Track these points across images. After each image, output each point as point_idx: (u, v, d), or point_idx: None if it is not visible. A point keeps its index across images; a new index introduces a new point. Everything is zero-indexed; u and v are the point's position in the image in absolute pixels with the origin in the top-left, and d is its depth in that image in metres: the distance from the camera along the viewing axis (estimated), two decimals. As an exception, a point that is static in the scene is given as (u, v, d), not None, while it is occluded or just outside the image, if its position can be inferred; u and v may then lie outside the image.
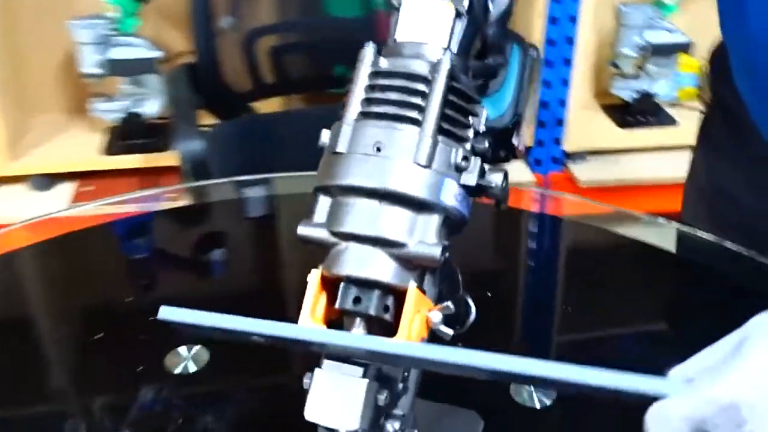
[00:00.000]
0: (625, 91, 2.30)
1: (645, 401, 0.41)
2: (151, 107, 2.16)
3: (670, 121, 2.32)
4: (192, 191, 1.16)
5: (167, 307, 0.45)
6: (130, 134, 2.17)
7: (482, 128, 0.50)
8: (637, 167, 2.24)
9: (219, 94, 1.59)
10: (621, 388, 0.40)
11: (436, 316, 0.49)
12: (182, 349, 0.72)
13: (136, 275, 0.92)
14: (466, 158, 0.48)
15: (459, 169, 0.48)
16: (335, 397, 0.47)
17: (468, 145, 0.49)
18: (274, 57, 1.61)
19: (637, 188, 2.19)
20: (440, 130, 0.48)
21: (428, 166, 0.47)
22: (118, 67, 2.08)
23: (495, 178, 0.49)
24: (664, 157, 2.26)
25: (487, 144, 0.50)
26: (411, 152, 0.47)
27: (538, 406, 0.67)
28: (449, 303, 0.50)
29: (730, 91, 0.77)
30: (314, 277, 0.49)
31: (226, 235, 1.04)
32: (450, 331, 0.50)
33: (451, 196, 0.48)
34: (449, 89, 0.48)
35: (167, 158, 2.15)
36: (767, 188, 0.77)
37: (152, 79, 2.13)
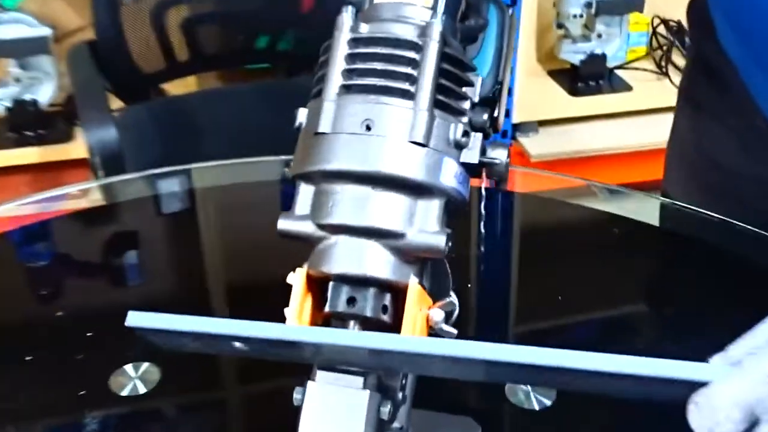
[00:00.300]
0: (572, 54, 2.33)
1: (679, 395, 0.41)
2: (45, 93, 2.09)
3: (623, 85, 2.36)
4: (103, 189, 1.13)
5: (136, 313, 0.43)
6: (21, 125, 2.09)
7: (477, 99, 0.49)
8: (591, 137, 2.28)
9: (126, 75, 1.55)
10: (657, 376, 0.39)
11: (438, 314, 0.48)
12: (128, 368, 0.70)
13: (44, 285, 0.89)
14: (466, 133, 0.47)
15: (459, 146, 0.47)
16: (333, 413, 0.46)
17: (465, 119, 0.48)
18: (186, 30, 1.57)
19: (593, 159, 2.23)
20: (436, 103, 0.46)
21: (425, 144, 0.46)
22: (3, 48, 2.01)
23: (498, 154, 0.49)
24: (619, 124, 2.30)
25: (485, 116, 0.49)
26: (406, 129, 0.46)
27: (536, 407, 0.67)
28: (452, 299, 0.49)
29: (713, 48, 0.78)
30: (299, 277, 0.48)
31: (142, 234, 1.01)
32: (454, 330, 0.49)
33: (451, 176, 0.47)
34: (442, 56, 0.47)
35: (66, 151, 2.09)
36: (763, 153, 0.78)
37: (44, 60, 2.06)
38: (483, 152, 0.48)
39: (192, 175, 1.05)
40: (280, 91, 1.76)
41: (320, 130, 0.46)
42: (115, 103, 1.54)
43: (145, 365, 0.70)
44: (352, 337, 0.44)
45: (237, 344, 0.44)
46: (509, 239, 1.00)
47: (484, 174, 0.49)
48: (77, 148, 2.03)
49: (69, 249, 0.98)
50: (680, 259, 0.91)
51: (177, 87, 1.97)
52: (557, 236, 0.96)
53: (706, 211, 0.85)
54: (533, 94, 2.28)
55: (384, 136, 0.45)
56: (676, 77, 2.36)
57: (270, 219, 1.03)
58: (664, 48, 2.44)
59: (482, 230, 1.00)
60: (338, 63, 0.47)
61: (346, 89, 0.47)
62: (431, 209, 0.46)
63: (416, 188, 0.46)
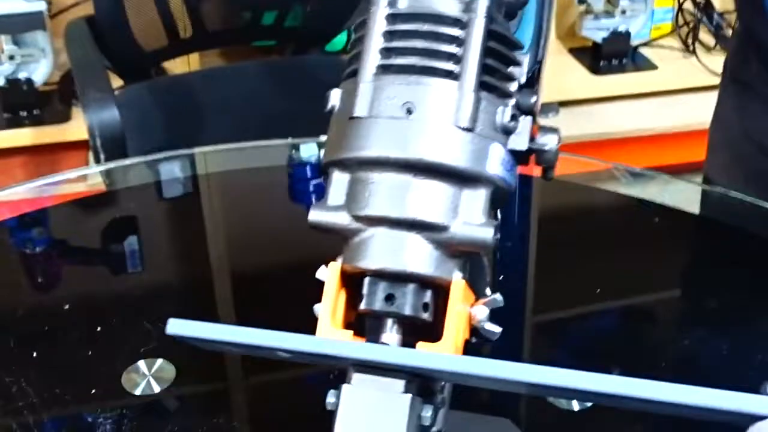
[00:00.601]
0: (595, 31, 2.30)
1: (737, 422, 0.40)
2: (40, 71, 2.07)
3: (647, 64, 2.33)
4: (103, 174, 1.11)
5: (176, 321, 0.42)
6: (16, 104, 2.07)
7: (524, 80, 0.48)
8: (613, 118, 2.26)
9: (126, 52, 1.54)
10: (717, 408, 0.39)
11: (482, 312, 0.47)
12: (141, 365, 0.68)
13: (49, 277, 0.88)
14: (513, 117, 0.46)
15: (506, 131, 0.46)
16: (371, 418, 0.44)
17: (512, 101, 0.47)
18: (190, 5, 1.56)
19: (616, 142, 2.21)
20: (482, 85, 0.45)
21: (471, 129, 0.44)
22: (-3, 24, 1.99)
23: (548, 140, 0.47)
24: (643, 105, 2.28)
25: (534, 99, 0.47)
26: (450, 113, 0.44)
27: (576, 407, 0.65)
28: (496, 295, 0.48)
29: (764, 25, 0.76)
30: (333, 273, 0.46)
31: (146, 221, 0.99)
32: (498, 329, 0.47)
33: (498, 164, 0.45)
34: (488, 33, 0.45)
35: (63, 132, 2.08)
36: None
37: (39, 37, 2.04)
38: (531, 138, 0.47)
39: (196, 160, 1.04)
40: (287, 70, 1.75)
41: (356, 113, 0.45)
42: (114, 82, 1.52)
43: (158, 362, 0.69)
44: (401, 356, 0.43)
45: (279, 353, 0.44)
46: (528, 225, 0.98)
47: (532, 161, 0.48)
48: (74, 129, 2.02)
49: (70, 237, 0.97)
50: (715, 247, 0.89)
51: (179, 65, 1.96)
52: (578, 222, 0.95)
53: (751, 198, 0.84)
54: (553, 73, 2.25)
55: (426, 121, 0.44)
56: (703, 55, 2.34)
57: (275, 205, 1.02)
58: (691, 25, 2.41)
59: (500, 216, 0.99)
60: (375, 41, 0.46)
61: (384, 69, 0.45)
62: (477, 199, 0.45)
63: (461, 177, 0.44)
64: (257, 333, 0.43)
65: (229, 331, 0.43)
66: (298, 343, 0.42)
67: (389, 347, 0.44)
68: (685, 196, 0.99)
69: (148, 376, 0.68)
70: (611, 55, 2.30)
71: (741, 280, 0.81)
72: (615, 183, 1.04)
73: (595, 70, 2.30)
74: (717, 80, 0.90)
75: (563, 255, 0.88)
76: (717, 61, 2.23)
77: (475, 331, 0.47)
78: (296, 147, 1.05)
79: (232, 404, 0.69)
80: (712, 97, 0.88)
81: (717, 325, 0.78)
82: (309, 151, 1.05)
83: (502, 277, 0.86)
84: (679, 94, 2.27)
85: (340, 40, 2.09)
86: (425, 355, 0.43)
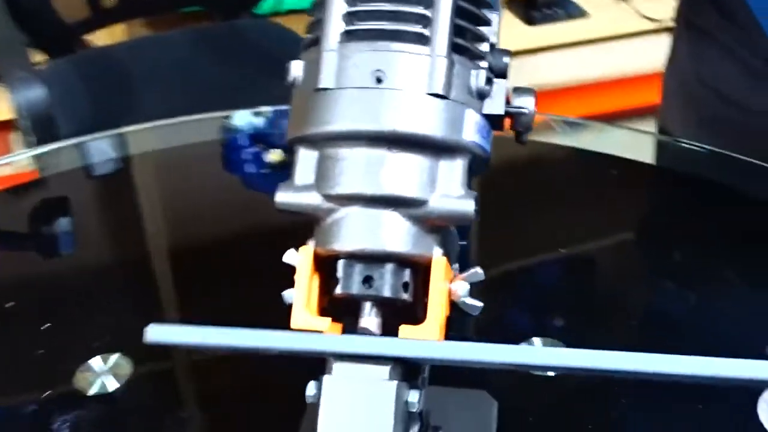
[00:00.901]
0: (525, -21, 2.28)
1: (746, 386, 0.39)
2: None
3: (579, 12, 2.32)
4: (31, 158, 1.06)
5: (156, 327, 0.39)
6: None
7: (496, 39, 0.45)
8: (548, 69, 2.24)
9: (45, 25, 1.48)
10: (728, 377, 0.38)
11: (463, 288, 0.44)
12: (95, 362, 0.64)
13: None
14: (489, 80, 0.43)
15: (482, 96, 0.43)
16: (356, 410, 0.42)
17: (485, 64, 0.44)
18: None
19: (551, 93, 2.20)
20: (454, 48, 0.42)
21: (446, 95, 0.41)
22: None
23: (525, 102, 0.45)
24: (578, 54, 2.27)
25: (507, 59, 0.45)
26: (423, 79, 0.41)
27: (552, 372, 0.64)
28: (477, 269, 0.45)
29: None
30: (305, 258, 0.43)
31: (78, 206, 0.95)
32: (479, 304, 0.45)
33: (475, 131, 0.43)
34: (457, -9, 0.43)
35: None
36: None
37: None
38: (507, 101, 0.44)
39: (128, 138, 1.00)
40: (218, 36, 1.70)
41: (322, 85, 0.42)
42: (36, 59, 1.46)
43: (113, 357, 0.65)
44: (392, 346, 0.41)
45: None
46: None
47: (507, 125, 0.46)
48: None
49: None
50: (665, 194, 0.89)
51: (104, 37, 1.89)
52: (517, 175, 0.93)
53: (707, 146, 0.83)
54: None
55: (399, 89, 0.41)
56: (637, 0, 2.34)
57: (211, 178, 0.99)
58: (620, -31, 2.40)
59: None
60: (337, 5, 0.42)
61: (349, 36, 0.42)
62: (455, 170, 0.42)
63: (437, 147, 0.42)
64: (246, 334, 0.41)
65: (214, 334, 0.41)
66: (290, 342, 0.39)
67: (380, 339, 0.42)
68: (622, 142, 0.97)
69: (101, 374, 0.64)
70: (544, 4, 2.28)
71: (697, 229, 0.81)
72: (551, 134, 1.02)
73: (530, 20, 2.28)
74: (651, 25, 0.89)
75: (506, 208, 0.86)
76: (650, 6, 2.24)
77: (453, 305, 0.45)
78: (229, 116, 1.02)
79: (197, 397, 0.66)
80: (647, 42, 0.86)
81: (681, 276, 0.77)
82: (242, 119, 1.02)
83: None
84: (612, 41, 2.27)
85: (268, 1, 2.04)
86: (419, 345, 0.41)
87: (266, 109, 0.99)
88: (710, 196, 0.83)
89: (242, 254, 0.81)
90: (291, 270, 0.44)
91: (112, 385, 0.63)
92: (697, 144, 0.83)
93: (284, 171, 0.99)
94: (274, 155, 0.96)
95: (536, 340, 0.67)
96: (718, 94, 0.79)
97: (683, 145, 0.86)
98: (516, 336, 0.68)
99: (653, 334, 0.71)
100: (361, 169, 0.41)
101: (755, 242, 0.77)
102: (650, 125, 1.01)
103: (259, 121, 1.01)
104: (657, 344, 0.65)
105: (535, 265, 0.81)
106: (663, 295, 0.77)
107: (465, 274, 0.45)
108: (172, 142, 1.01)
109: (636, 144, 0.93)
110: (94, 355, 0.65)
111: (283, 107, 0.95)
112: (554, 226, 0.84)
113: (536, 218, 0.85)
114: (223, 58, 1.57)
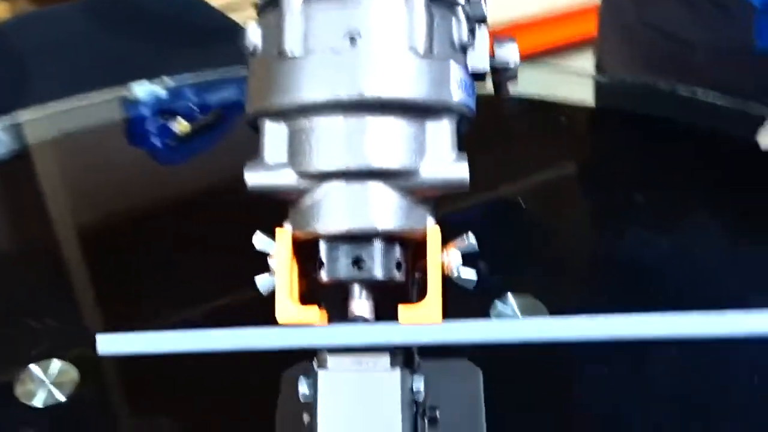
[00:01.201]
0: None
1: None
2: None
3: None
4: None
5: (105, 336, 0.34)
6: None
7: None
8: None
9: None
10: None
11: (457, 258, 0.41)
12: (35, 369, 0.59)
13: None
14: (472, 32, 0.39)
15: (464, 50, 0.39)
16: (359, 404, 0.38)
17: (463, 13, 0.40)
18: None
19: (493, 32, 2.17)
20: None
21: (430, 52, 0.38)
22: None
23: (509, 53, 0.41)
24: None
25: (485, 8, 0.41)
26: (402, 35, 0.37)
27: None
28: (469, 236, 0.42)
29: None
30: (283, 243, 0.39)
31: None
32: (474, 276, 0.42)
33: (461, 89, 0.39)
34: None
35: None
36: (717, 20, 0.74)
37: None
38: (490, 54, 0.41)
39: (23, 125, 0.94)
40: (110, 8, 1.62)
41: (288, 50, 0.37)
42: None
43: (56, 363, 0.59)
44: (406, 333, 0.38)
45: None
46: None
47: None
48: None
49: None
50: (608, 134, 0.87)
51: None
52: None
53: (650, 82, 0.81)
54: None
55: (376, 49, 0.37)
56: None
57: (116, 155, 0.93)
58: None
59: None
60: (295, -42, 0.38)
61: None
62: (443, 133, 0.38)
63: (423, 110, 0.38)
64: (210, 336, 0.37)
65: (172, 339, 0.37)
66: (282, 340, 0.35)
67: (383, 326, 0.38)
68: (554, 83, 0.95)
69: (45, 384, 0.58)
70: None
71: (645, 168, 0.79)
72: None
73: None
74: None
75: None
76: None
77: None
78: (128, 88, 0.96)
79: (152, 401, 0.60)
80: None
81: (640, 218, 0.75)
82: (143, 90, 0.96)
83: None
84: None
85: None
86: (428, 330, 0.37)
87: (168, 79, 0.94)
88: (655, 132, 0.81)
89: (158, 231, 0.77)
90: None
91: (58, 395, 0.58)
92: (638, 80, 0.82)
93: (193, 142, 0.94)
94: (181, 126, 0.91)
95: (510, 296, 0.65)
96: (660, 31, 0.77)
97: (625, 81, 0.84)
98: (488, 296, 0.65)
99: (620, 282, 0.69)
100: (340, 141, 0.37)
101: (710, 178, 0.76)
102: (587, 59, 0.99)
103: (162, 92, 0.95)
104: (625, 290, 0.64)
105: (490, 213, 0.78)
106: (617, 236, 0.75)
107: (455, 242, 0.41)
108: (72, 123, 0.95)
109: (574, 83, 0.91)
110: (31, 361, 0.59)
111: (187, 76, 0.91)
112: (499, 174, 0.81)
113: (480, 166, 0.82)
114: (118, 31, 1.49)
